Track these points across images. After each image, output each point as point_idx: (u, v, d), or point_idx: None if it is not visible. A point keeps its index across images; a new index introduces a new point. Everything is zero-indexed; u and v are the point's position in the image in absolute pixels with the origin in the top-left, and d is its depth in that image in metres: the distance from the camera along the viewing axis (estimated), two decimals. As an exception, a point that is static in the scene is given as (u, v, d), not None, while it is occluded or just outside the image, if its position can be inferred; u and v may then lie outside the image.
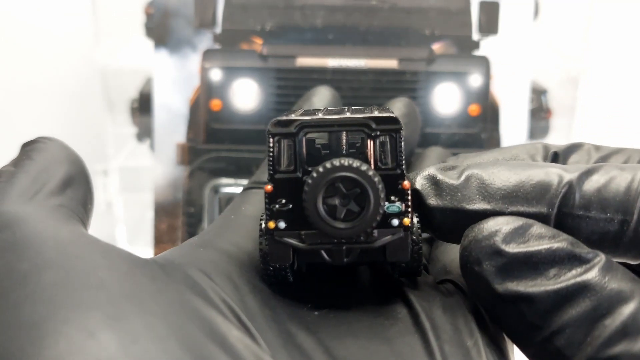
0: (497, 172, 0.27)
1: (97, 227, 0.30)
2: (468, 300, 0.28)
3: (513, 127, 0.67)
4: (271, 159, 0.26)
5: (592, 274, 0.24)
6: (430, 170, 0.28)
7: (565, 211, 0.25)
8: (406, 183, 0.26)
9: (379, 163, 0.26)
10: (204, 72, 0.60)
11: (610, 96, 0.88)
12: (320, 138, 0.27)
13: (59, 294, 0.20)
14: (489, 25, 0.65)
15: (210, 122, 0.60)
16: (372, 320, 0.27)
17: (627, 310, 0.23)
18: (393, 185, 0.26)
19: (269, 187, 0.26)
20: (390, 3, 0.64)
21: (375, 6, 0.64)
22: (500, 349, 0.27)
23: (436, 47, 0.62)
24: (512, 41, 0.69)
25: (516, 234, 0.25)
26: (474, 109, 0.60)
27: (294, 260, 0.27)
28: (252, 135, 0.60)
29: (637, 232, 0.25)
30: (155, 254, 0.64)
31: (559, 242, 0.25)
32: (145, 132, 0.69)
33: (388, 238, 0.26)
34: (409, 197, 0.26)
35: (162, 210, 0.65)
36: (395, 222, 0.26)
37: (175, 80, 0.66)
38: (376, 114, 0.26)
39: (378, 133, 0.26)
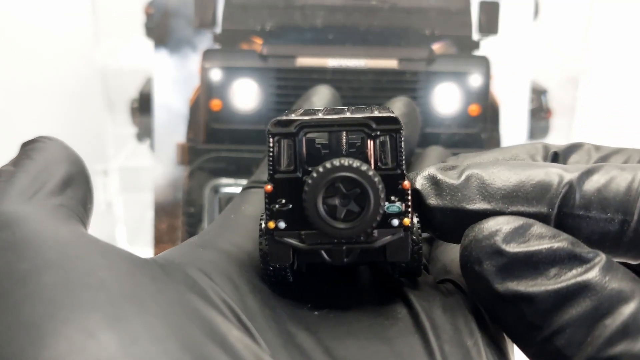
0: (497, 172, 0.27)
1: (97, 227, 0.30)
2: (468, 300, 0.28)
3: (513, 127, 0.67)
4: (271, 159, 0.26)
5: (592, 274, 0.24)
6: (431, 170, 0.28)
7: (565, 211, 0.25)
8: (406, 183, 0.26)
9: (379, 163, 0.26)
10: (204, 72, 0.60)
11: (610, 96, 0.88)
12: (320, 138, 0.27)
13: (58, 294, 0.20)
14: (489, 25, 0.65)
15: (210, 122, 0.60)
16: (372, 320, 0.27)
17: (628, 310, 0.23)
18: (393, 185, 0.26)
19: (268, 187, 0.26)
20: (390, 3, 0.64)
21: (375, 6, 0.64)
22: (500, 348, 0.27)
23: (436, 47, 0.62)
24: (512, 41, 0.69)
25: (516, 234, 0.25)
26: (474, 109, 0.60)
27: (294, 260, 0.27)
28: (252, 135, 0.60)
29: (638, 232, 0.25)
30: (155, 254, 0.64)
31: (560, 241, 0.25)
32: (145, 132, 0.69)
33: (388, 238, 0.26)
34: (409, 197, 0.26)
35: (162, 210, 0.65)
36: (396, 222, 0.26)
37: (175, 80, 0.66)
38: (376, 113, 0.26)
39: (378, 133, 0.26)
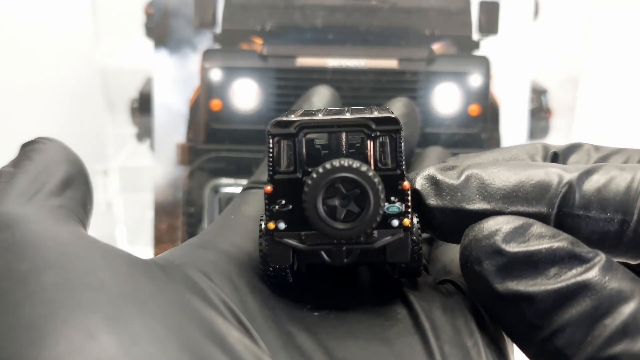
0: (497, 172, 0.27)
1: (97, 227, 0.30)
2: (468, 301, 0.28)
3: (513, 127, 0.67)
4: (271, 159, 0.26)
5: (592, 274, 0.24)
6: (430, 170, 0.28)
7: (565, 211, 0.25)
8: (406, 184, 0.26)
9: (378, 164, 0.26)
10: (204, 72, 0.60)
11: (610, 96, 0.88)
12: (320, 138, 0.27)
13: (58, 295, 0.20)
14: (489, 25, 0.65)
15: (210, 122, 0.60)
16: (372, 321, 0.27)
17: (628, 309, 0.23)
18: (393, 185, 0.26)
19: (268, 187, 0.26)
20: (390, 3, 0.64)
21: (375, 6, 0.64)
22: (500, 349, 0.27)
23: (436, 47, 0.62)
24: (512, 41, 0.69)
25: (516, 234, 0.25)
26: (474, 109, 0.60)
27: (294, 260, 0.27)
28: (252, 135, 0.60)
29: (637, 232, 0.25)
30: (156, 254, 0.64)
31: (559, 241, 0.25)
32: (145, 132, 0.69)
33: (388, 239, 0.26)
34: (409, 198, 0.26)
35: (162, 210, 0.65)
36: (395, 222, 0.26)
37: (175, 80, 0.66)
38: (376, 114, 0.26)
39: (378, 133, 0.26)
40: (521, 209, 0.26)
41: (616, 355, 0.23)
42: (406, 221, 0.26)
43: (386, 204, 0.26)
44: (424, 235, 0.28)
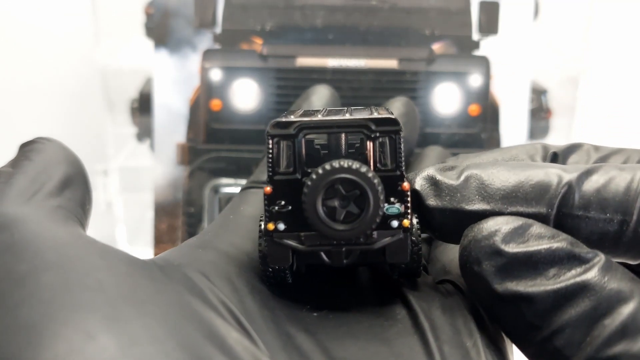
0: (496, 172, 0.27)
1: (97, 227, 0.30)
2: (467, 301, 0.28)
3: (513, 127, 0.67)
4: (270, 160, 0.26)
5: (591, 274, 0.24)
6: (430, 170, 0.28)
7: (564, 211, 0.25)
8: (406, 184, 0.26)
9: (378, 164, 0.26)
10: (204, 72, 0.60)
11: (610, 96, 0.88)
12: (319, 138, 0.27)
13: (57, 296, 0.20)
14: (489, 25, 0.65)
15: (210, 122, 0.60)
16: (372, 321, 0.27)
17: (627, 310, 0.23)
18: (392, 186, 0.26)
19: (268, 188, 0.26)
20: (390, 3, 0.64)
21: (375, 6, 0.64)
22: (499, 349, 0.27)
23: (436, 47, 0.62)
24: (512, 41, 0.69)
25: (516, 234, 0.25)
26: (474, 109, 0.60)
27: (293, 261, 0.27)
28: (252, 135, 0.60)
29: (637, 232, 0.25)
30: (156, 254, 0.64)
31: (559, 241, 0.25)
32: (145, 132, 0.69)
33: (387, 239, 0.26)
34: (409, 199, 0.26)
35: (162, 210, 0.65)
36: (395, 223, 0.26)
37: (175, 80, 0.66)
38: (376, 115, 0.26)
39: (377, 134, 0.26)
40: (520, 209, 0.26)
41: (615, 355, 0.23)
42: (406, 222, 0.26)
43: (386, 205, 0.26)
44: (423, 235, 0.28)
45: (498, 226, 0.25)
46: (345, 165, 0.25)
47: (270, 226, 0.26)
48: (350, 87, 0.60)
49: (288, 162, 0.26)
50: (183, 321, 0.21)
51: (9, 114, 0.81)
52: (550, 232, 0.25)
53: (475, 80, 0.60)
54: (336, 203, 0.25)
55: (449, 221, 0.27)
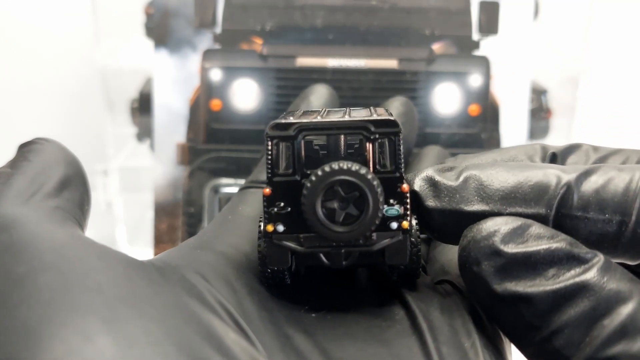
0: (495, 173, 0.26)
1: (97, 227, 0.30)
2: (466, 301, 0.28)
3: (513, 127, 0.67)
4: (269, 162, 0.26)
5: (590, 274, 0.24)
6: (429, 171, 0.28)
7: (563, 212, 0.25)
8: (405, 186, 0.26)
9: (377, 166, 0.26)
10: (204, 72, 0.60)
11: (610, 96, 0.88)
12: (318, 138, 0.27)
13: (55, 297, 0.20)
14: (489, 25, 0.65)
15: (210, 122, 0.60)
16: (370, 322, 0.27)
17: (626, 310, 0.23)
18: (392, 188, 0.26)
19: (267, 190, 0.26)
20: (390, 3, 0.64)
21: (375, 6, 0.64)
22: (498, 349, 0.27)
23: (436, 47, 0.62)
24: (512, 41, 0.69)
25: (515, 234, 0.25)
26: (474, 109, 0.60)
27: (292, 262, 0.27)
28: (252, 135, 0.60)
29: (636, 233, 0.25)
30: (155, 254, 0.64)
31: (558, 242, 0.25)
32: (145, 132, 0.69)
33: (387, 241, 0.26)
34: (408, 200, 0.26)
35: (162, 210, 0.65)
36: (394, 225, 0.26)
37: (175, 80, 0.66)
38: (375, 117, 0.26)
39: (377, 136, 0.26)
40: (519, 210, 0.26)
41: (615, 355, 0.23)
42: (405, 224, 0.26)
43: (385, 206, 0.26)
44: (422, 235, 0.28)
45: (497, 226, 0.25)
46: (345, 167, 0.24)
47: (270, 228, 0.26)
48: (350, 87, 0.60)
49: (287, 163, 0.26)
50: (181, 323, 0.21)
51: (9, 114, 0.81)
52: (550, 232, 0.25)
53: (475, 80, 0.60)
54: (335, 205, 0.25)
55: (448, 222, 0.27)
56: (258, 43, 0.61)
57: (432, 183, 0.27)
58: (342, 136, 0.27)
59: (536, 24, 0.71)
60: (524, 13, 0.69)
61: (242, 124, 0.60)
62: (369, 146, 0.26)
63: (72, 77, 0.85)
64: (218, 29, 0.65)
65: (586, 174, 0.26)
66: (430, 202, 0.27)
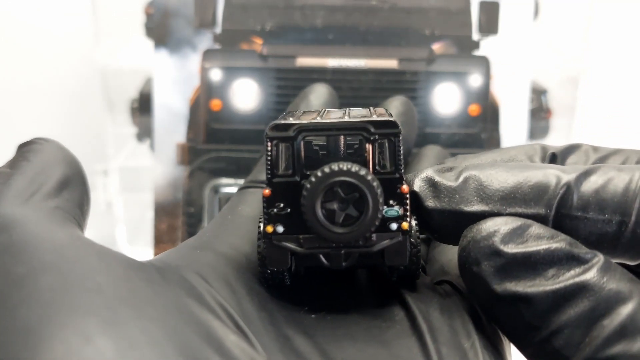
0: (494, 173, 0.26)
1: (97, 227, 0.30)
2: (465, 302, 0.28)
3: (513, 127, 0.67)
4: (269, 162, 0.26)
5: (590, 274, 0.24)
6: (428, 172, 0.28)
7: (563, 212, 0.25)
8: (405, 187, 0.26)
9: (377, 167, 0.26)
10: (204, 72, 0.60)
11: (610, 96, 0.88)
12: (318, 139, 0.27)
13: (55, 298, 0.20)
14: (489, 25, 0.65)
15: (210, 122, 0.60)
16: (370, 323, 0.27)
17: (626, 310, 0.23)
18: (391, 189, 0.26)
19: (266, 191, 0.26)
20: (390, 3, 0.64)
21: (375, 6, 0.64)
22: (497, 350, 0.27)
23: (436, 47, 0.62)
24: (512, 41, 0.69)
25: (515, 235, 0.25)
26: (474, 109, 0.60)
27: (292, 263, 0.27)
28: (252, 135, 0.60)
29: (635, 233, 0.25)
30: (155, 254, 0.64)
31: (558, 242, 0.25)
32: (145, 132, 0.69)
33: (386, 242, 0.26)
34: (408, 201, 0.26)
35: (162, 210, 0.65)
36: (394, 226, 0.26)
37: (175, 80, 0.66)
38: (375, 117, 0.26)
39: (377, 137, 0.26)
40: (519, 210, 0.26)
41: (614, 356, 0.23)
42: (405, 225, 0.26)
43: (385, 207, 0.26)
44: (422, 236, 0.28)
45: (497, 227, 0.25)
46: (345, 168, 0.24)
47: (269, 229, 0.26)
48: (350, 87, 0.60)
49: (287, 164, 0.26)
50: (181, 324, 0.21)
51: (9, 114, 0.81)
52: (549, 232, 0.25)
53: (475, 80, 0.60)
54: (335, 206, 0.25)
55: (448, 222, 0.27)
56: (258, 43, 0.61)
57: (432, 183, 0.27)
58: (342, 137, 0.27)
59: (536, 24, 0.71)
60: (524, 13, 0.69)
61: (242, 124, 0.60)
62: (369, 147, 0.26)
63: (72, 77, 0.85)
64: (218, 29, 0.65)
65: (586, 174, 0.26)
66: (430, 203, 0.27)
